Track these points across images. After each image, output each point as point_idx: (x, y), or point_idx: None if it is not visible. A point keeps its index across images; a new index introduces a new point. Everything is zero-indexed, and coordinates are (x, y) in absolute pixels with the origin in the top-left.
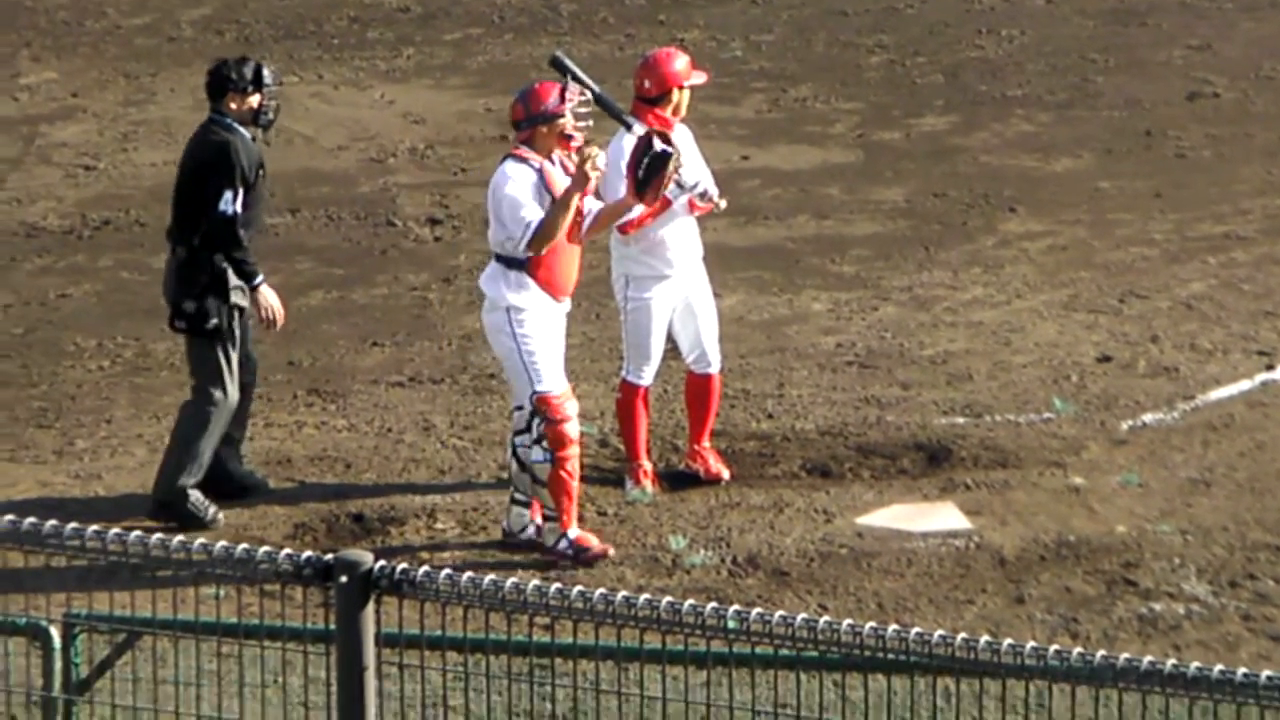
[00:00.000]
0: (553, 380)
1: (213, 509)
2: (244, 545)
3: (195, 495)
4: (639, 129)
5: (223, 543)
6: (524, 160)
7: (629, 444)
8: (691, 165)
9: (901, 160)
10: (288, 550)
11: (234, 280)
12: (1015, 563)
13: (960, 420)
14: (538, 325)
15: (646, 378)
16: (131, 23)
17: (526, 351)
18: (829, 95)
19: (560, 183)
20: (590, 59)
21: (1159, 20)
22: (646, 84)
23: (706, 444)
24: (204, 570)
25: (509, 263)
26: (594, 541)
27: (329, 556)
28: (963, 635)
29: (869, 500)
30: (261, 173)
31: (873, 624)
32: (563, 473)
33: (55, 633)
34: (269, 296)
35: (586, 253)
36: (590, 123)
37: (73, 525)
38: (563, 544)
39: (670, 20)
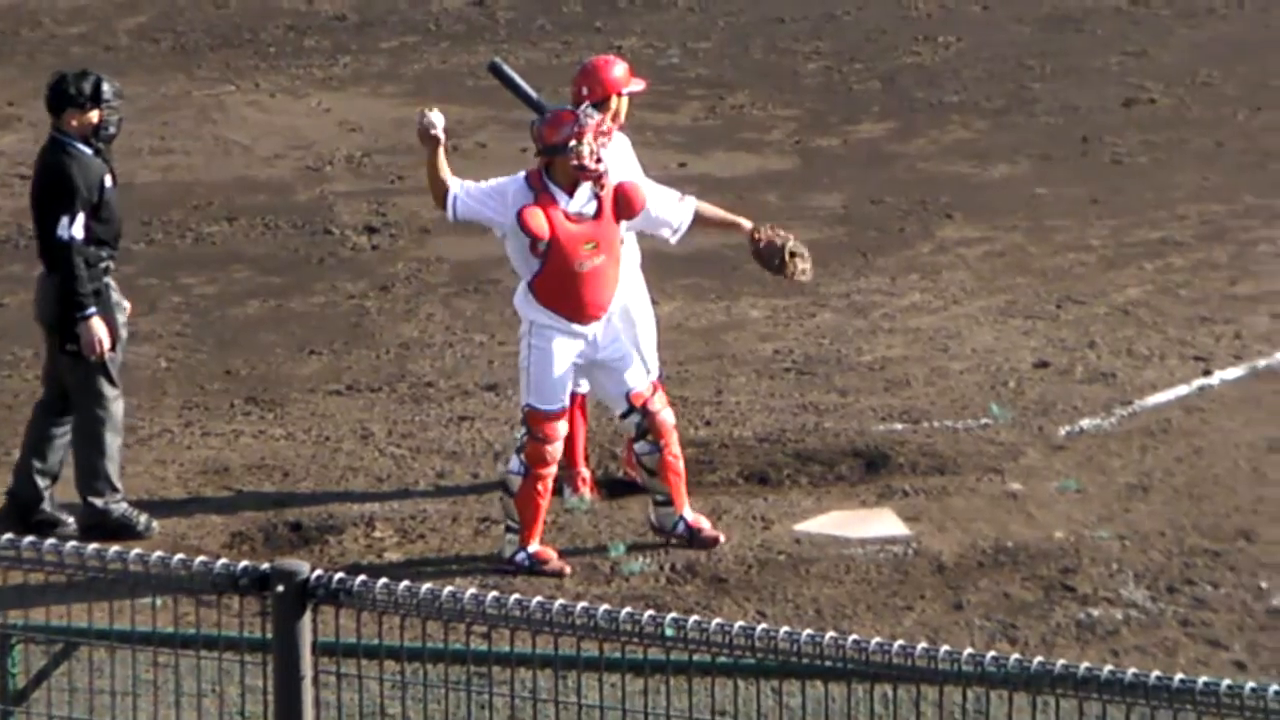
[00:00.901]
0: (545, 397)
1: (144, 518)
2: (181, 555)
3: (118, 509)
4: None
5: (159, 552)
6: (526, 176)
7: (567, 451)
8: (626, 171)
9: (839, 167)
10: (224, 560)
11: (113, 298)
12: (953, 569)
13: (898, 426)
14: (548, 343)
15: (582, 385)
16: (67, 31)
17: (529, 363)
18: (766, 102)
19: (557, 217)
20: (527, 66)
21: (1095, 27)
22: (585, 90)
23: None
24: (141, 580)
25: (527, 283)
26: (553, 557)
27: (266, 566)
28: (900, 642)
29: (807, 507)
30: (107, 188)
31: (810, 631)
32: (535, 489)
33: None
34: (94, 330)
35: None
36: (604, 166)
37: (8, 536)
38: (520, 556)
39: (607, 27)
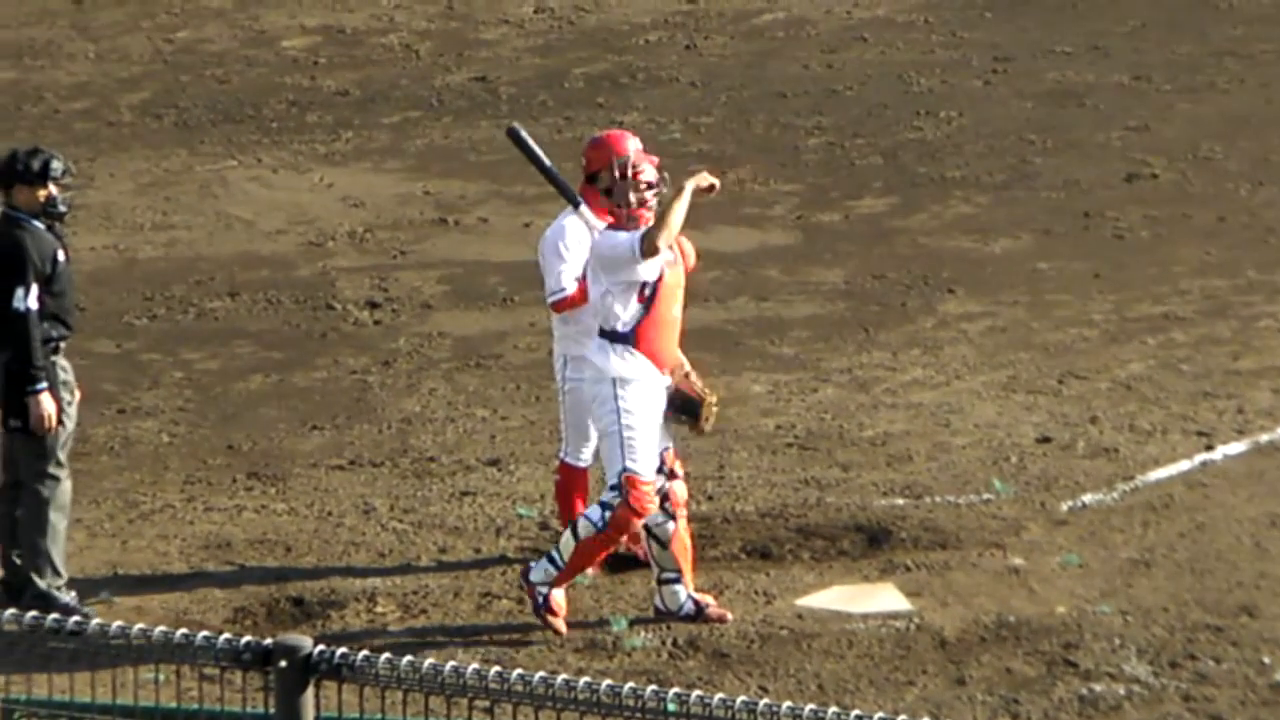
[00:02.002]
0: (646, 464)
1: (87, 610)
2: (183, 629)
3: (61, 597)
4: (586, 212)
5: (162, 627)
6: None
7: (565, 523)
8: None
9: (841, 241)
10: (227, 634)
11: (61, 377)
12: (956, 644)
13: (900, 501)
14: (641, 400)
15: (586, 458)
16: (71, 107)
17: (626, 426)
18: (768, 177)
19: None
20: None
21: (1097, 101)
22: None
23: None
24: (144, 654)
25: (612, 336)
26: (561, 612)
27: (268, 641)
28: (903, 717)
29: (809, 582)
30: (59, 262)
31: (813, 706)
32: (597, 544)
33: None
34: (43, 405)
35: (524, 335)
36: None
37: (11, 611)
38: (543, 590)
39: (609, 103)
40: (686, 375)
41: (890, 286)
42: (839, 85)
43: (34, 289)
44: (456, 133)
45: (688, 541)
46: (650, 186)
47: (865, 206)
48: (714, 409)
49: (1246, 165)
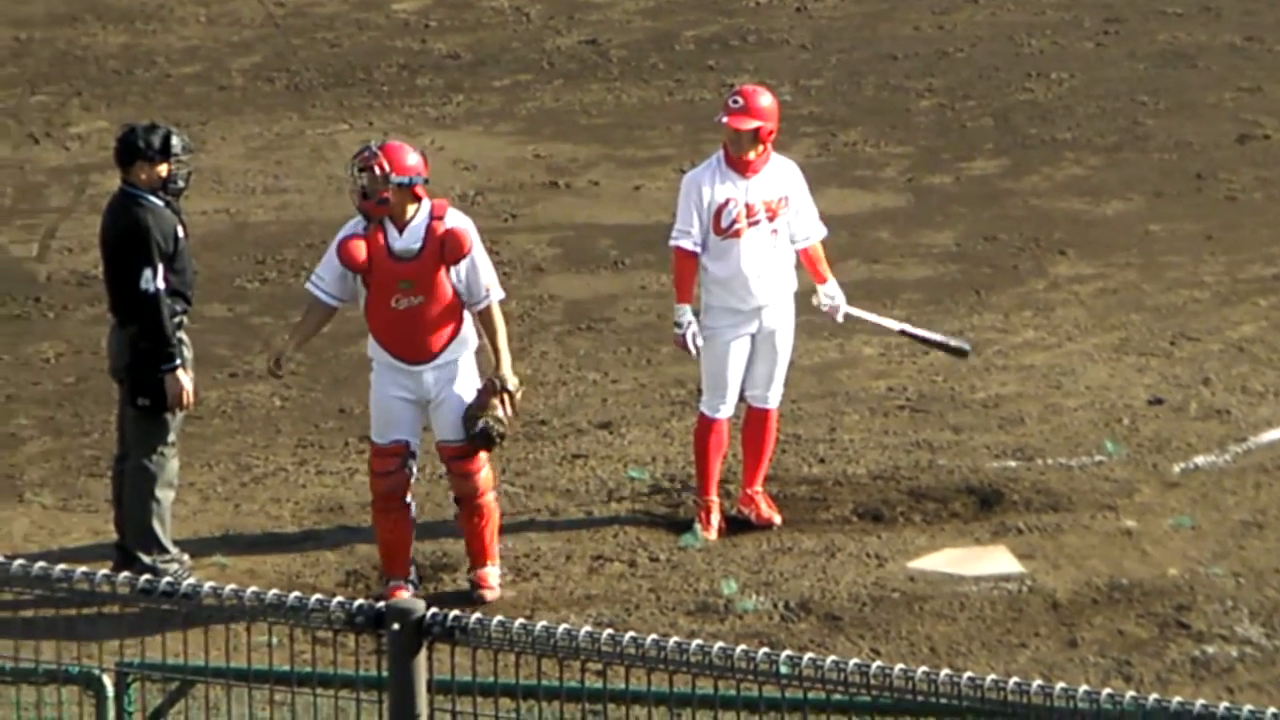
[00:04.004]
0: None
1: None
2: (296, 593)
3: (167, 568)
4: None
5: (275, 591)
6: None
7: (699, 478)
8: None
9: (952, 204)
10: (340, 598)
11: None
12: (1068, 606)
13: (1012, 464)
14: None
15: (722, 411)
16: (182, 71)
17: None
18: (879, 139)
19: None
20: (639, 104)
21: (1209, 63)
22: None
23: (758, 488)
24: (257, 617)
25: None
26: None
27: (381, 604)
28: (1015, 679)
29: (921, 544)
30: (180, 239)
31: (925, 668)
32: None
33: (108, 682)
34: (180, 382)
35: (635, 298)
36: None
37: (125, 574)
38: None
39: (720, 65)
40: (507, 398)
41: (1001, 248)
42: (950, 47)
43: (160, 269)
44: (567, 96)
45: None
46: None
47: (976, 168)
48: (495, 428)
49: None
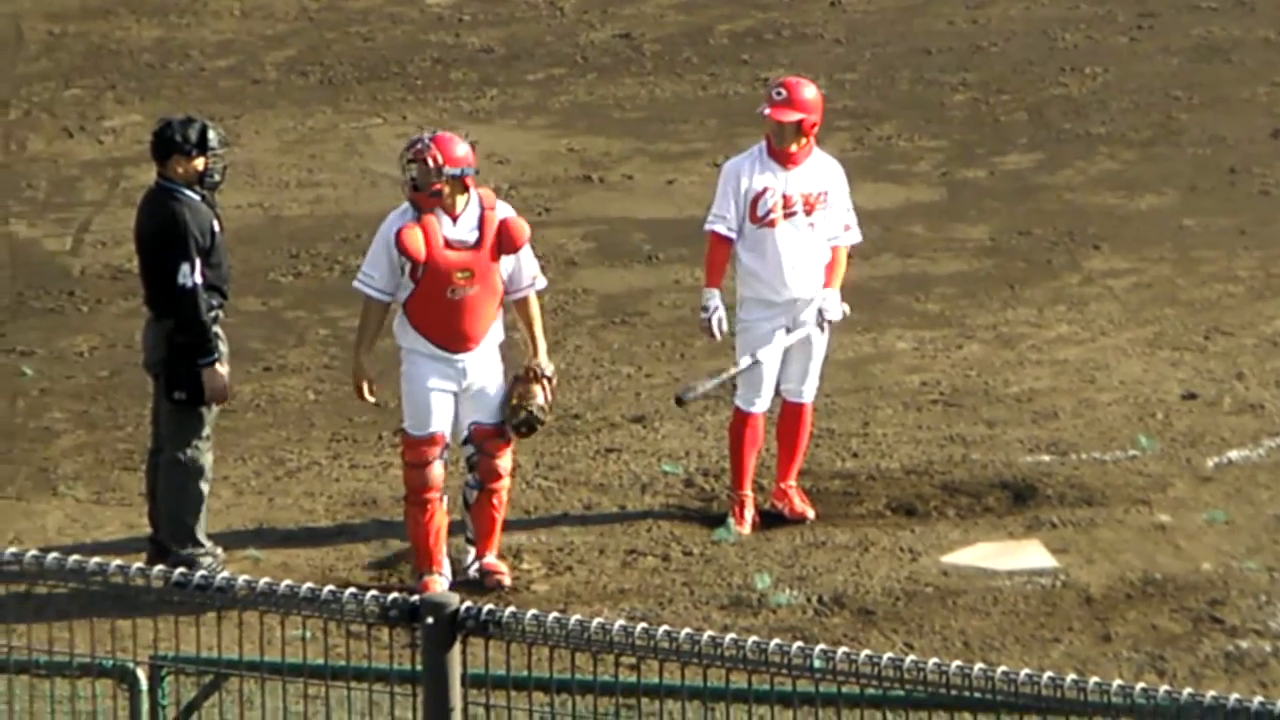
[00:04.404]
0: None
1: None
2: (330, 586)
3: (204, 561)
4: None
5: (309, 584)
6: None
7: (733, 472)
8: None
9: (985, 198)
10: (374, 591)
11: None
12: (1101, 601)
13: (1046, 458)
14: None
15: (758, 405)
16: (216, 65)
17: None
18: (913, 133)
19: None
20: (673, 98)
21: (1243, 57)
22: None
23: (792, 483)
24: (290, 611)
25: None
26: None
27: (415, 598)
28: (1049, 674)
29: (954, 539)
30: (216, 233)
31: (959, 663)
32: None
33: (142, 675)
34: (219, 376)
35: (669, 292)
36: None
37: (159, 567)
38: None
39: (754, 59)
40: (547, 387)
41: (1035, 243)
42: (984, 41)
43: (197, 263)
44: (601, 90)
45: (498, 516)
46: None
47: (1010, 163)
48: (533, 418)
49: None
